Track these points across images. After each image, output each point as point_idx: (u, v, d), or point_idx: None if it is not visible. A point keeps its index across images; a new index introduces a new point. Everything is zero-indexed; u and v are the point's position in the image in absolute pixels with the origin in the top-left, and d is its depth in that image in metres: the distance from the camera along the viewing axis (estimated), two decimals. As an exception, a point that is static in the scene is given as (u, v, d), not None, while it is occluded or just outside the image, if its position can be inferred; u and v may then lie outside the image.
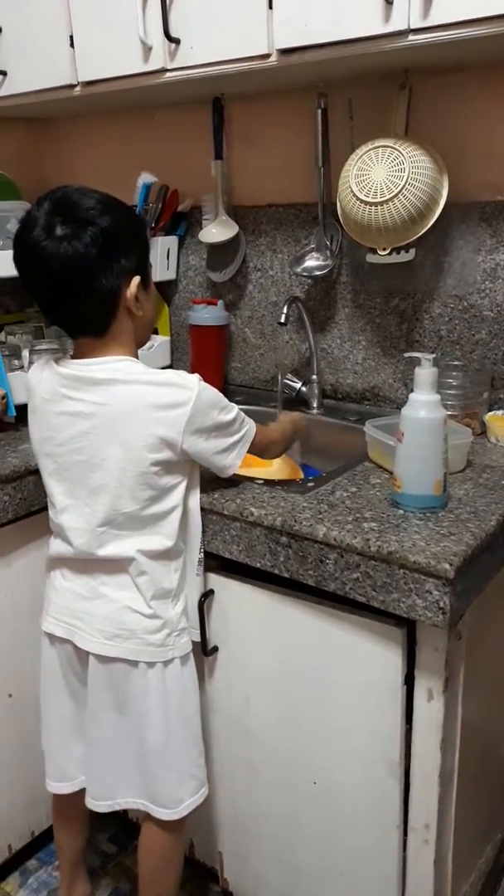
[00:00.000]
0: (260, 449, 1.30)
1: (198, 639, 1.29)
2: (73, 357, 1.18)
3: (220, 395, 1.16)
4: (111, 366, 1.14)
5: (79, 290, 1.09)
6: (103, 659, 1.22)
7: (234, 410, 1.18)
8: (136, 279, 1.13)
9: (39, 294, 1.13)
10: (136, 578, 1.19)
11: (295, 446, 1.63)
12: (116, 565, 1.19)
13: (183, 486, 1.19)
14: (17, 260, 1.11)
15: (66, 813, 1.41)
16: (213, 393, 1.15)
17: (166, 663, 1.21)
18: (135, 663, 1.21)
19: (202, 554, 1.25)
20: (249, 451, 1.25)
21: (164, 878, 1.33)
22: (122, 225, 1.10)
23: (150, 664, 1.21)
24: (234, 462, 1.21)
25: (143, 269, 1.16)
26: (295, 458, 1.62)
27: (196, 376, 1.14)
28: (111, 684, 1.23)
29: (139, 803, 1.28)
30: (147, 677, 1.21)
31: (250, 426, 1.23)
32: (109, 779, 1.29)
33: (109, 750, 1.27)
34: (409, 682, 1.12)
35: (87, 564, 1.22)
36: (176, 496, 1.18)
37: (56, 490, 1.22)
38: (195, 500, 1.22)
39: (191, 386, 1.12)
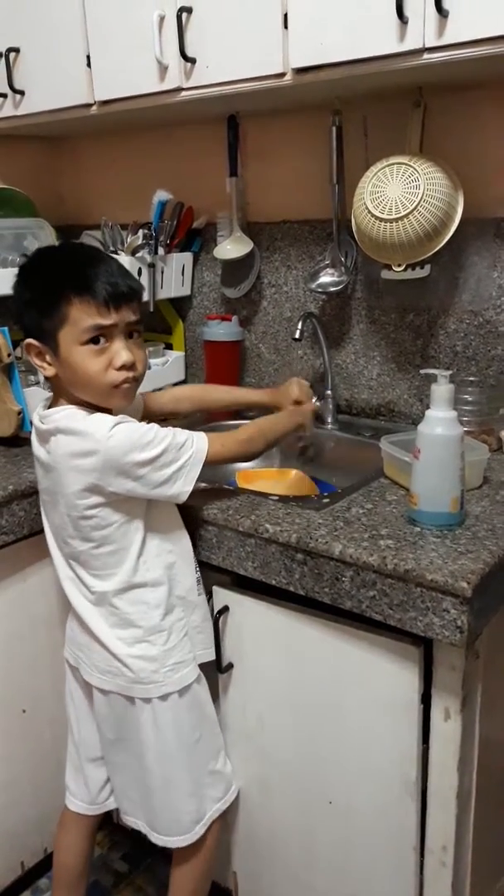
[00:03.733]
0: (231, 457, 1.25)
1: (210, 658, 1.28)
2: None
3: (142, 431, 1.11)
4: (53, 416, 1.16)
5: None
6: (103, 690, 1.23)
7: (160, 444, 1.11)
8: (26, 341, 1.15)
9: None
10: (111, 617, 1.19)
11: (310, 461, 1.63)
12: (95, 604, 1.20)
13: (137, 522, 1.17)
14: None
15: (68, 864, 1.39)
16: (126, 436, 1.10)
17: (163, 697, 1.21)
18: (130, 698, 1.21)
19: (198, 573, 1.25)
20: (221, 462, 1.23)
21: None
22: (16, 294, 1.15)
23: (146, 699, 1.21)
24: (183, 489, 1.15)
25: (42, 336, 1.13)
26: (309, 473, 1.61)
27: (110, 421, 1.11)
28: (112, 715, 1.25)
29: (151, 833, 1.29)
30: (143, 711, 1.21)
31: (196, 449, 1.15)
32: (132, 796, 1.30)
33: (124, 772, 1.29)
34: (425, 700, 1.11)
35: (74, 601, 1.24)
36: (132, 533, 1.17)
37: (44, 520, 1.28)
38: (173, 526, 1.22)
39: (98, 436, 1.10)
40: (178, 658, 1.21)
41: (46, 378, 1.19)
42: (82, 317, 1.10)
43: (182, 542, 1.23)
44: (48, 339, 1.13)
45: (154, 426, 1.14)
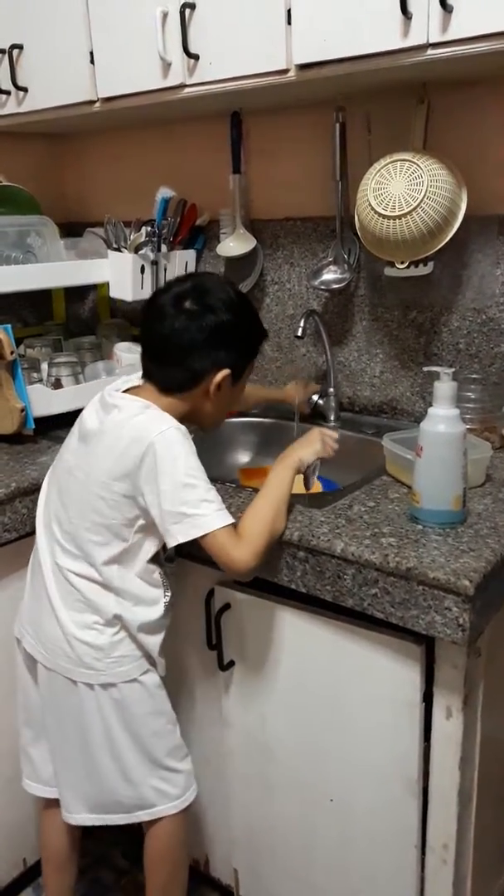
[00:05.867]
0: (267, 544, 1.13)
1: (163, 673, 1.27)
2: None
3: (192, 452, 1.14)
4: (127, 398, 1.20)
5: (175, 355, 1.20)
6: (46, 668, 1.24)
7: (198, 475, 1.12)
8: (225, 372, 1.20)
9: (145, 342, 1.24)
10: (69, 596, 1.20)
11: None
12: (59, 578, 1.22)
13: (134, 533, 1.17)
14: (145, 309, 1.25)
15: (54, 845, 1.40)
16: (175, 438, 1.13)
17: (105, 686, 1.21)
18: (73, 681, 1.22)
19: (167, 597, 1.23)
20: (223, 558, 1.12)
21: (154, 877, 1.34)
22: (238, 326, 1.21)
23: (88, 685, 1.21)
24: (176, 536, 1.11)
25: (240, 368, 1.24)
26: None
27: (171, 421, 1.15)
28: (54, 693, 1.25)
29: (94, 818, 1.29)
30: (86, 696, 1.22)
31: (212, 518, 1.10)
32: (69, 794, 1.30)
33: (64, 764, 1.29)
34: (427, 699, 1.11)
35: (40, 570, 1.25)
36: (124, 535, 1.17)
37: (44, 488, 1.30)
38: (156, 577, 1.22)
39: (157, 428, 1.14)
40: (123, 653, 1.21)
41: (202, 399, 1.22)
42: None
43: (159, 600, 1.23)
44: (239, 372, 1.25)
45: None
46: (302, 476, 1.26)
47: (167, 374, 1.21)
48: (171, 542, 1.13)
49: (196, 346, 1.18)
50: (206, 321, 1.18)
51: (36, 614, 1.26)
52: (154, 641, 1.23)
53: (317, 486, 1.52)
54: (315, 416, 1.74)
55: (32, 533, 1.38)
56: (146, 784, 1.26)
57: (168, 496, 1.11)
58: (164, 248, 1.80)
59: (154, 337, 1.21)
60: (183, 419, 1.20)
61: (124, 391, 1.24)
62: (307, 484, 1.27)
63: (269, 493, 1.17)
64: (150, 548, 1.19)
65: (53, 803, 1.38)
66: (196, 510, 1.10)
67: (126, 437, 1.15)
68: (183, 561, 1.30)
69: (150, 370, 1.24)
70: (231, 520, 1.11)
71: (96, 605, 1.20)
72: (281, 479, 1.20)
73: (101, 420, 1.20)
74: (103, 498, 1.16)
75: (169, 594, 1.23)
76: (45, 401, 1.62)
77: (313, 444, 1.26)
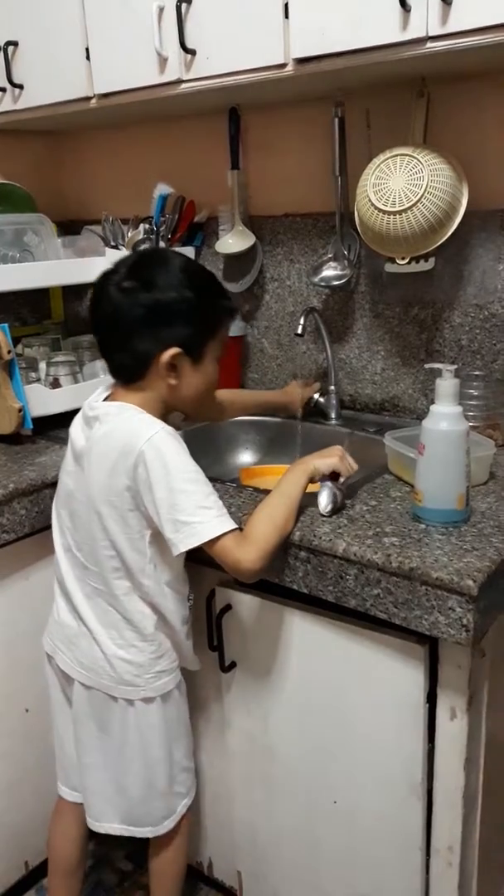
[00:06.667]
0: (275, 545, 1.11)
1: (197, 667, 1.29)
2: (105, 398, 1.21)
3: (184, 450, 1.10)
4: (106, 406, 1.16)
5: (117, 338, 1.14)
6: (84, 685, 1.23)
7: (195, 478, 1.08)
8: (173, 350, 1.12)
9: (93, 329, 1.19)
10: (105, 616, 1.19)
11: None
12: (93, 602, 1.20)
13: (149, 544, 1.14)
14: (92, 294, 1.17)
15: (63, 851, 1.39)
16: (165, 442, 1.09)
17: (146, 700, 1.20)
18: (113, 696, 1.21)
19: (191, 599, 1.25)
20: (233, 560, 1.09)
21: (164, 878, 1.35)
22: (183, 301, 1.11)
23: (128, 700, 1.20)
24: (177, 545, 1.08)
25: (193, 345, 1.14)
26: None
27: (158, 424, 1.11)
28: (92, 710, 1.24)
29: (121, 829, 1.29)
30: (126, 712, 1.21)
31: (211, 526, 1.06)
32: (98, 802, 1.29)
33: (98, 770, 1.28)
34: (431, 700, 1.10)
35: (69, 594, 1.23)
36: (139, 547, 1.14)
37: (54, 514, 1.27)
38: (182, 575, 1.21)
39: (141, 433, 1.09)
40: (162, 667, 1.21)
41: (167, 384, 1.14)
42: (225, 335, 1.22)
43: (179, 566, 1.21)
44: (195, 351, 1.15)
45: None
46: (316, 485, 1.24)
47: (118, 363, 1.16)
48: (174, 551, 1.10)
49: (136, 325, 1.10)
50: (142, 298, 1.10)
51: (71, 634, 1.23)
52: (188, 645, 1.25)
53: (318, 486, 1.50)
54: (316, 415, 1.73)
55: (32, 534, 1.39)
56: (171, 791, 1.27)
57: (164, 505, 1.08)
58: (162, 245, 1.79)
59: (98, 322, 1.16)
60: (164, 411, 1.17)
61: (102, 400, 1.20)
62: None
63: (280, 494, 1.15)
64: (170, 558, 1.15)
65: (65, 810, 1.37)
66: (193, 518, 1.07)
67: (114, 451, 1.11)
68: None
69: (109, 366, 1.18)
70: (232, 525, 1.09)
71: (134, 621, 1.17)
72: (293, 482, 1.16)
73: (86, 437, 1.17)
74: (108, 515, 1.13)
75: (192, 597, 1.24)
76: (43, 400, 1.61)
77: (331, 457, 1.20)
